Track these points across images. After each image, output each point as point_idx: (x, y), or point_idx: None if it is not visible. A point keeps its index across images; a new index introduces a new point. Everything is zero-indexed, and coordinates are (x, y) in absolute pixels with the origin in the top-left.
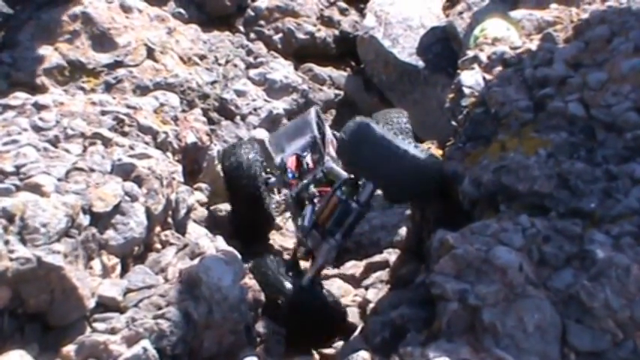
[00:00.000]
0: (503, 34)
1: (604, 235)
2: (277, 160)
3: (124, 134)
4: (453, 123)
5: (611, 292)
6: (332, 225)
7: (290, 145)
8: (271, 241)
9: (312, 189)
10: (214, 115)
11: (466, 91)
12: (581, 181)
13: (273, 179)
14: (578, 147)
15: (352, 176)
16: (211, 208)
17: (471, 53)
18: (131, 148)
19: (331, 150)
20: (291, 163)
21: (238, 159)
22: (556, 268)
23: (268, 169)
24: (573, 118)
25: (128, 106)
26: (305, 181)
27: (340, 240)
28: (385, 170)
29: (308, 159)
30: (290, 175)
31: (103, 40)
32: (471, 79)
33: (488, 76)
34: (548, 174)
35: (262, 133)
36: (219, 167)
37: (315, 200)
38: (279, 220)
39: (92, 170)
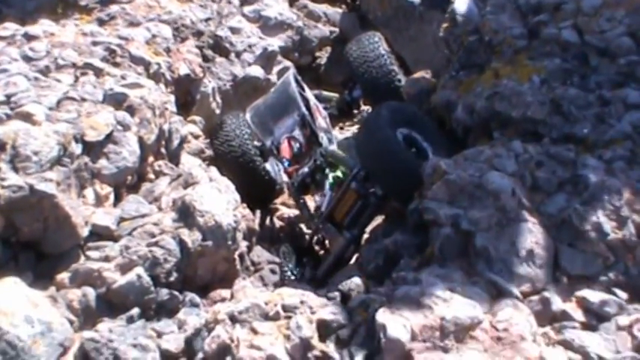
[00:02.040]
0: None
1: (597, 159)
2: (267, 143)
3: (116, 65)
4: (447, 52)
5: (603, 215)
6: (350, 219)
7: (277, 126)
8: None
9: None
10: (209, 52)
11: (460, 19)
12: (574, 106)
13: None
14: (571, 73)
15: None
16: (207, 141)
17: None
18: (123, 78)
19: (320, 120)
20: (284, 150)
21: (229, 136)
22: (549, 193)
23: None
24: (567, 45)
25: (120, 37)
26: (305, 169)
27: (357, 234)
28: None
29: (299, 136)
30: (286, 164)
31: None
32: (465, 7)
33: (481, 4)
34: (541, 100)
35: (257, 71)
36: (213, 104)
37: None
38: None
39: (84, 100)
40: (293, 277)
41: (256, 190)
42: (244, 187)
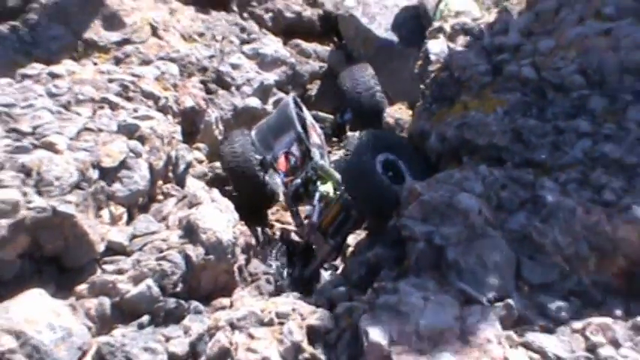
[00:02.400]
0: (465, 8)
1: (553, 182)
2: (267, 157)
3: (129, 99)
4: (421, 86)
5: (559, 231)
6: (334, 229)
7: (276, 143)
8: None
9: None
10: (212, 85)
11: (432, 57)
12: (533, 135)
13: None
14: (530, 105)
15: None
16: (210, 165)
17: (436, 24)
18: (135, 110)
19: (314, 136)
20: (281, 164)
21: (234, 150)
22: (511, 211)
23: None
24: (526, 80)
25: (133, 75)
26: (298, 180)
27: (339, 242)
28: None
29: (295, 151)
30: (283, 176)
31: (112, 21)
32: (437, 47)
33: (451, 45)
34: (504, 129)
35: (255, 101)
36: (216, 132)
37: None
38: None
39: (100, 130)
40: (284, 273)
41: (255, 198)
42: (245, 194)
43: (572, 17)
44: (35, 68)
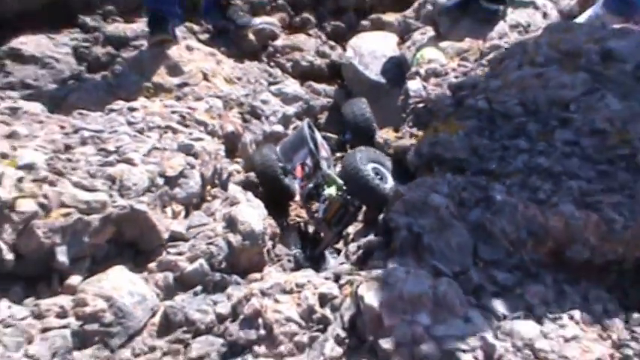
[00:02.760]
0: (435, 57)
1: (501, 185)
2: (288, 166)
3: (186, 126)
4: (403, 115)
5: (505, 222)
6: (335, 221)
7: (294, 156)
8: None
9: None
10: (247, 116)
11: (411, 94)
12: (485, 151)
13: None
14: (484, 129)
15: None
16: (245, 175)
17: (414, 69)
18: (190, 134)
19: (323, 152)
20: (298, 171)
21: (263, 159)
22: (470, 207)
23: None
24: (480, 110)
25: (189, 108)
26: (310, 185)
27: (340, 230)
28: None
29: (309, 163)
30: (299, 181)
31: (174, 69)
32: (415, 86)
33: (425, 84)
34: (464, 147)
35: (279, 128)
36: (250, 150)
37: (323, 199)
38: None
39: (165, 149)
40: (300, 254)
41: (278, 195)
42: (270, 192)
43: (513, 64)
44: (118, 104)
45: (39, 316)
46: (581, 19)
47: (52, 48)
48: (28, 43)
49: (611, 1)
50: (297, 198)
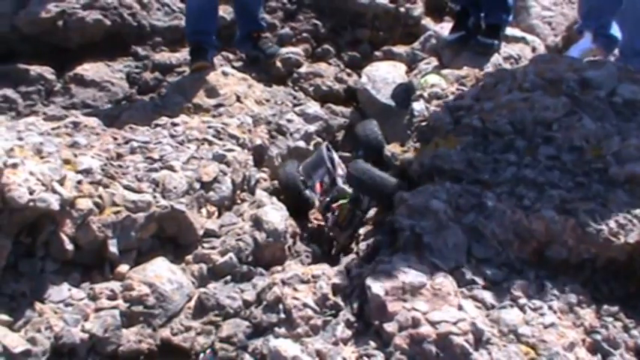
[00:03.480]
0: (437, 82)
1: (492, 193)
2: (308, 182)
3: (220, 139)
4: (409, 132)
5: (495, 225)
6: (346, 225)
7: (314, 174)
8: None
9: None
10: (274, 133)
11: (416, 113)
12: (479, 163)
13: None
14: (478, 144)
15: (356, 194)
16: (271, 182)
17: (418, 92)
18: (224, 146)
19: (339, 170)
20: (317, 188)
21: (287, 173)
22: (465, 212)
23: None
24: (475, 128)
25: (223, 124)
26: (327, 199)
27: (351, 232)
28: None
29: (326, 180)
30: (318, 196)
31: (212, 92)
32: (419, 107)
33: (428, 105)
34: (461, 159)
35: (302, 144)
36: (276, 162)
37: (333, 208)
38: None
39: (202, 158)
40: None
41: (300, 206)
42: (293, 203)
43: (504, 88)
44: (163, 120)
45: (93, 297)
46: (574, 51)
47: (108, 73)
48: (89, 69)
49: (600, 38)
50: (316, 207)
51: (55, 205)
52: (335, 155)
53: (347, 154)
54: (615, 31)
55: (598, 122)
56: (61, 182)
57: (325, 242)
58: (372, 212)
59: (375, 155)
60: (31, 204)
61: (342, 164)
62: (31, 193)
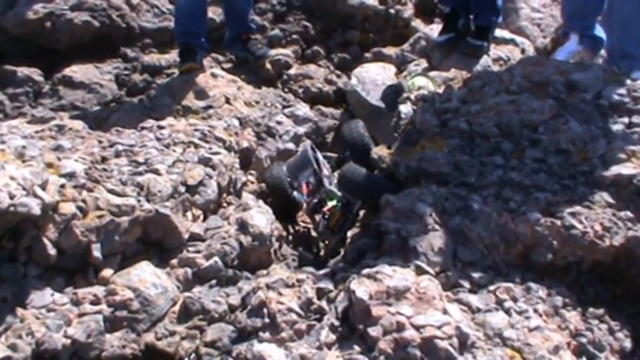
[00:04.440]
0: (424, 85)
1: (478, 196)
2: (295, 184)
3: (206, 142)
4: (395, 134)
5: (481, 228)
6: (337, 228)
7: (300, 175)
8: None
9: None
10: (263, 135)
11: (403, 116)
12: (466, 166)
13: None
14: (465, 147)
15: (346, 197)
16: (258, 185)
17: (405, 95)
18: (210, 149)
19: (325, 170)
20: (303, 189)
21: (273, 175)
22: (451, 215)
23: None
24: (462, 131)
25: (210, 126)
26: (315, 200)
27: (341, 236)
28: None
29: (312, 181)
30: (305, 197)
31: (201, 94)
32: (406, 109)
33: (415, 108)
34: (448, 162)
35: (291, 146)
36: (265, 164)
37: (324, 212)
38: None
39: (187, 161)
40: (304, 252)
41: (287, 207)
42: (280, 204)
43: (491, 91)
44: (149, 123)
45: (76, 302)
46: (560, 54)
47: (97, 75)
48: (77, 71)
49: (587, 40)
50: (303, 209)
51: (37, 210)
52: (319, 155)
53: (333, 155)
54: (599, 31)
55: (584, 125)
56: (44, 186)
57: (313, 245)
58: (360, 215)
59: (362, 156)
60: (12, 209)
61: (327, 164)
62: (12, 197)
